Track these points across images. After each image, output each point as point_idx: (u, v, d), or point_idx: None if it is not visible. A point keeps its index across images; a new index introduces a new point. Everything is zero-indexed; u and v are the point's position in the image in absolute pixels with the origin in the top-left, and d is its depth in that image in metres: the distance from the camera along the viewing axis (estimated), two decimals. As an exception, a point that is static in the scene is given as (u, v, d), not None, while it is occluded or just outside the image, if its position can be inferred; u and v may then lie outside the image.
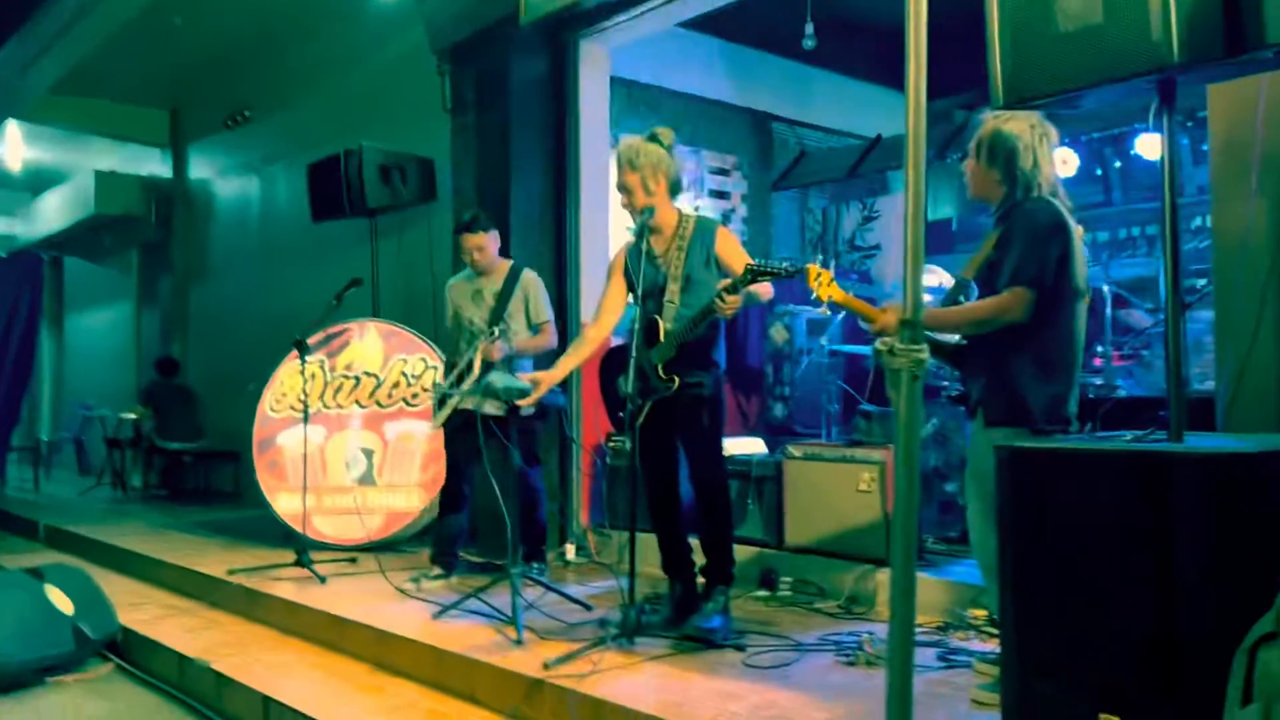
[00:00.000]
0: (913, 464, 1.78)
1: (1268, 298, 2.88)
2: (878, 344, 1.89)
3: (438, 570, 4.91)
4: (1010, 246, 2.99)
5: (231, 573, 5.24)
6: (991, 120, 3.11)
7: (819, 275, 3.33)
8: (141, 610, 5.14)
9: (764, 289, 3.72)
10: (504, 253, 5.22)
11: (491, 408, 4.55)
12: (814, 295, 3.39)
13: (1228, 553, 2.14)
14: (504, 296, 4.95)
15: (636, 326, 3.77)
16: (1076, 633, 2.33)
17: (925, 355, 1.81)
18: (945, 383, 5.35)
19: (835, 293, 3.40)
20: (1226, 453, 2.21)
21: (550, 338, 5.01)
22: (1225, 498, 2.14)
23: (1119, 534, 2.27)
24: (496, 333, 4.62)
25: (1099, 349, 4.99)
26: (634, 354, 3.72)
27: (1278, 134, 2.88)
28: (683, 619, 3.87)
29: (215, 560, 5.72)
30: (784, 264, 3.55)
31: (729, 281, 3.62)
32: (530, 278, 5.04)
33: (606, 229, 6.08)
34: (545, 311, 5.02)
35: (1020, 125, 3.04)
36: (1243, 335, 2.95)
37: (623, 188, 3.90)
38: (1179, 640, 2.17)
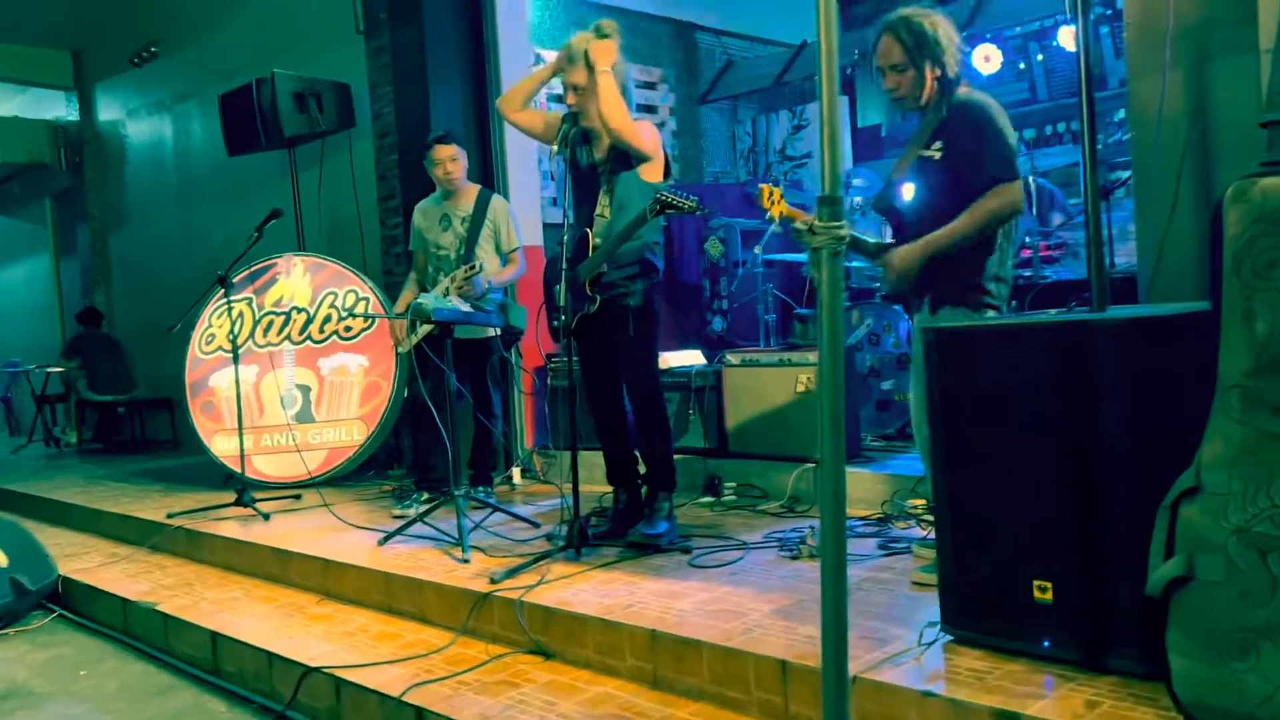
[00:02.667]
0: (837, 342, 1.78)
1: (1185, 170, 2.91)
2: (797, 223, 1.86)
3: (425, 494, 4.85)
4: (976, 145, 2.95)
5: (171, 516, 5.16)
6: (898, 23, 3.03)
7: (771, 194, 3.29)
8: (81, 560, 5.06)
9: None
10: (427, 177, 5.10)
11: (427, 330, 4.50)
12: (768, 215, 3.35)
13: (1147, 413, 2.18)
14: (475, 224, 4.86)
15: (566, 238, 3.72)
16: (1007, 504, 2.37)
17: (845, 232, 1.79)
18: (877, 284, 5.40)
19: (787, 209, 3.36)
20: (1143, 317, 2.24)
21: (520, 265, 4.95)
22: (1143, 360, 2.18)
23: (1044, 404, 2.31)
24: (479, 267, 4.53)
25: (1026, 240, 5.04)
26: (564, 267, 3.68)
27: (1189, 2, 2.89)
28: (629, 528, 3.89)
29: (155, 506, 5.63)
30: (689, 199, 3.51)
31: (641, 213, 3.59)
32: (499, 204, 4.96)
33: (534, 147, 5.96)
34: (516, 238, 4.96)
35: (917, 14, 3.02)
36: (1162, 209, 2.98)
37: (575, 88, 3.77)
38: (1105, 502, 2.22)
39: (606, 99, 3.63)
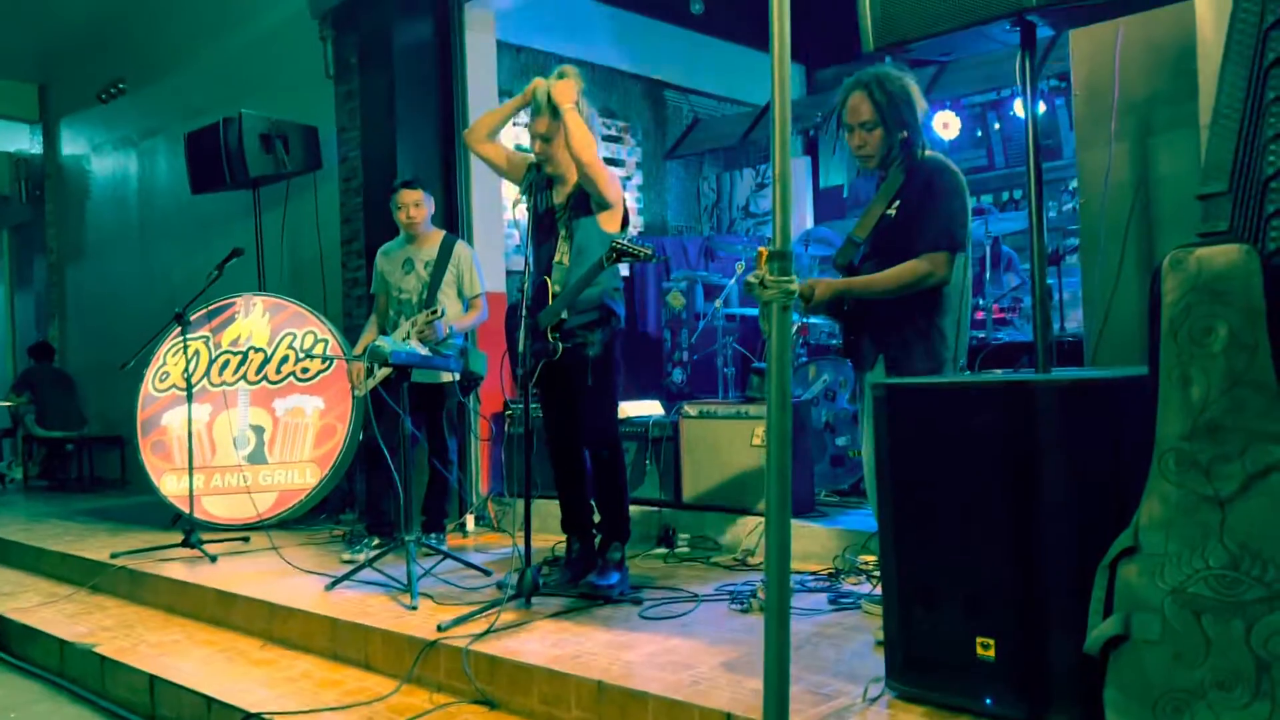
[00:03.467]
0: (785, 393, 1.80)
1: (1129, 237, 3.00)
2: (749, 277, 1.89)
3: (376, 540, 4.79)
4: (924, 207, 3.00)
5: (115, 556, 5.05)
6: (872, 81, 3.06)
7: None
8: (18, 599, 4.93)
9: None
10: (391, 220, 5.12)
11: (385, 373, 4.49)
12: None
13: (1088, 473, 2.22)
14: (438, 269, 4.86)
15: (526, 285, 3.74)
16: (952, 560, 2.40)
17: (794, 286, 1.83)
18: (835, 340, 5.46)
19: None
20: (1084, 379, 2.30)
21: (482, 311, 4.95)
22: (1084, 421, 2.22)
23: (988, 463, 2.35)
24: (441, 312, 4.52)
25: (980, 302, 5.14)
26: (524, 315, 3.69)
27: (1134, 77, 3.00)
28: (580, 577, 3.87)
29: (99, 546, 5.51)
30: (646, 246, 3.56)
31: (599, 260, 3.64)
32: (463, 249, 4.96)
33: (499, 194, 6.02)
34: (479, 284, 4.96)
35: (892, 74, 3.04)
36: (1108, 275, 3.06)
37: (544, 137, 3.79)
38: (1047, 560, 2.25)
39: (575, 133, 3.66)
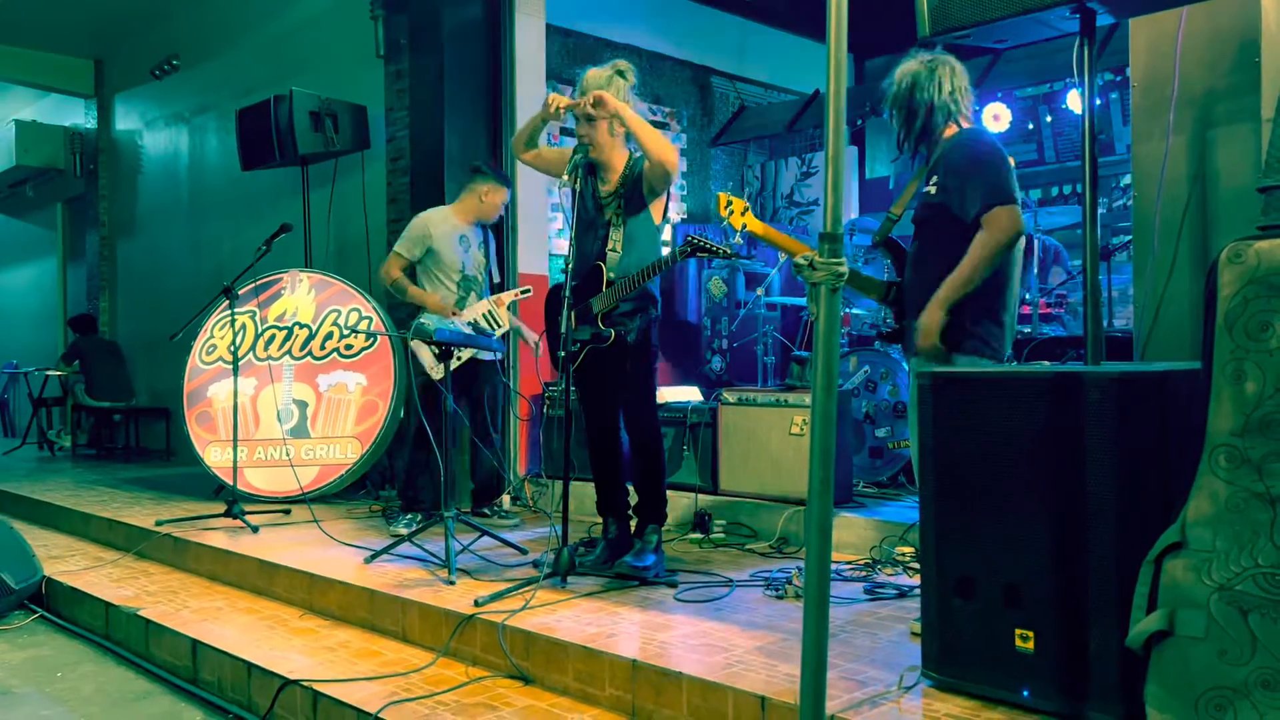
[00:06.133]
0: (831, 376, 1.80)
1: (1184, 233, 2.95)
2: (798, 259, 1.89)
3: (414, 515, 4.87)
4: (966, 175, 2.95)
5: (160, 524, 5.15)
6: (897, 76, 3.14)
7: (729, 203, 3.25)
8: (66, 562, 5.05)
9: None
10: (438, 200, 5.20)
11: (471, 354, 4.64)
12: (725, 222, 3.32)
13: (1134, 468, 2.20)
14: (487, 247, 5.06)
15: (570, 267, 3.75)
16: (993, 550, 2.38)
17: (844, 269, 1.82)
18: (876, 330, 5.43)
19: (752, 223, 3.34)
20: (1134, 372, 2.27)
21: None
22: (1133, 414, 2.19)
23: (1033, 454, 2.33)
24: (530, 290, 4.70)
25: (1026, 296, 5.08)
26: (567, 296, 3.70)
27: (1195, 70, 2.94)
28: (616, 558, 3.89)
29: (144, 513, 5.62)
30: (724, 245, 3.55)
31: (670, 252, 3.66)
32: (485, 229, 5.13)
33: (543, 178, 6.02)
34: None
35: (910, 65, 3.07)
36: (1160, 270, 3.02)
37: (588, 117, 3.79)
38: (1090, 554, 2.23)
39: (644, 132, 3.65)
